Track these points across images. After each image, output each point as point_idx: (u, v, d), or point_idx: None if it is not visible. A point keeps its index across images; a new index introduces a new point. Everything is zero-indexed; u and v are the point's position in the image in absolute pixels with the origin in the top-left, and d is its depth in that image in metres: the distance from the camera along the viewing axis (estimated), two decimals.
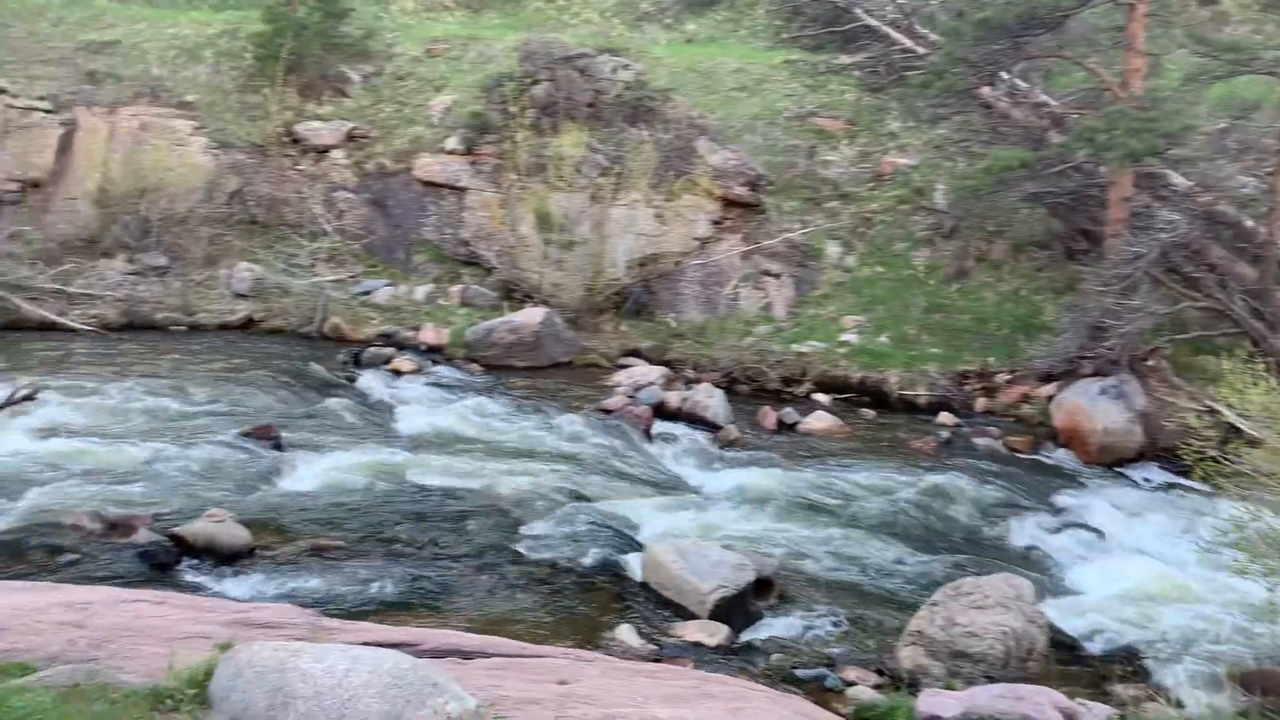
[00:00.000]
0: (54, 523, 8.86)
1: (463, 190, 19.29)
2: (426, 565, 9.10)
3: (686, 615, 8.32)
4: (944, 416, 14.92)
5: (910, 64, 20.15)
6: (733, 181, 18.47)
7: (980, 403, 15.38)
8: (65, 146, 19.05)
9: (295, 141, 20.20)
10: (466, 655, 5.45)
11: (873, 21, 21.77)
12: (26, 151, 18.78)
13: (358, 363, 15.89)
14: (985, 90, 18.24)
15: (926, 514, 11.33)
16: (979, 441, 14.02)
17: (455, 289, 18.34)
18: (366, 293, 18.17)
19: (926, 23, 21.42)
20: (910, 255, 18.10)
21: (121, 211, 18.10)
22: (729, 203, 18.45)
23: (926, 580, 9.47)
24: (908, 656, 7.69)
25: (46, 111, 19.31)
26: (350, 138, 20.14)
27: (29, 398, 12.13)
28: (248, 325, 17.39)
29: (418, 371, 15.59)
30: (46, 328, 16.24)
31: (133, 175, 18.44)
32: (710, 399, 14.44)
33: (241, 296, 17.75)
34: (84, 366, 14.38)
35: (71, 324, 16.38)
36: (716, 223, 18.45)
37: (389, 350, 16.25)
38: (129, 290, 17.21)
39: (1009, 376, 15.67)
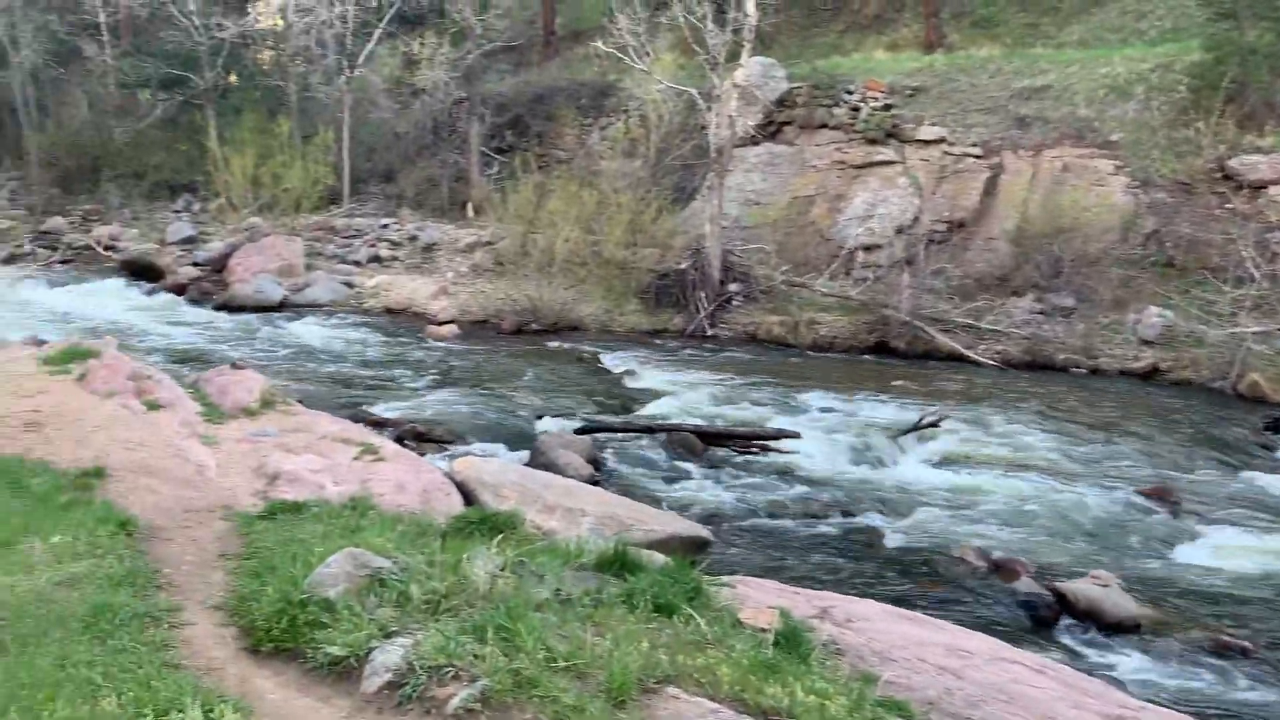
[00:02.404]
0: (941, 552, 9.13)
1: None
2: None
3: None
4: None
5: None
6: None
7: None
8: (989, 189, 20.15)
9: (1226, 178, 18.33)
10: None
11: None
12: (956, 194, 20.32)
13: (1277, 429, 13.64)
14: None
15: None
16: None
17: None
18: None
19: None
20: None
21: (1034, 251, 18.40)
22: None
23: None
24: None
25: (976, 157, 20.66)
26: None
27: (934, 424, 12.91)
28: (1151, 374, 16.27)
29: None
30: (954, 359, 17.29)
31: (1049, 215, 18.64)
32: None
33: (1147, 343, 16.67)
34: (983, 400, 14.87)
35: (977, 358, 17.17)
36: None
37: None
38: (1034, 329, 17.41)
39: None
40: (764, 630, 4.86)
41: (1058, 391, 15.53)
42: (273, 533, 5.64)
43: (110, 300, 20.31)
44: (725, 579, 6.20)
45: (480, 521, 6.11)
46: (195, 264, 23.08)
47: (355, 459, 8.33)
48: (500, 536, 5.10)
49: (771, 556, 8.86)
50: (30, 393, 9.96)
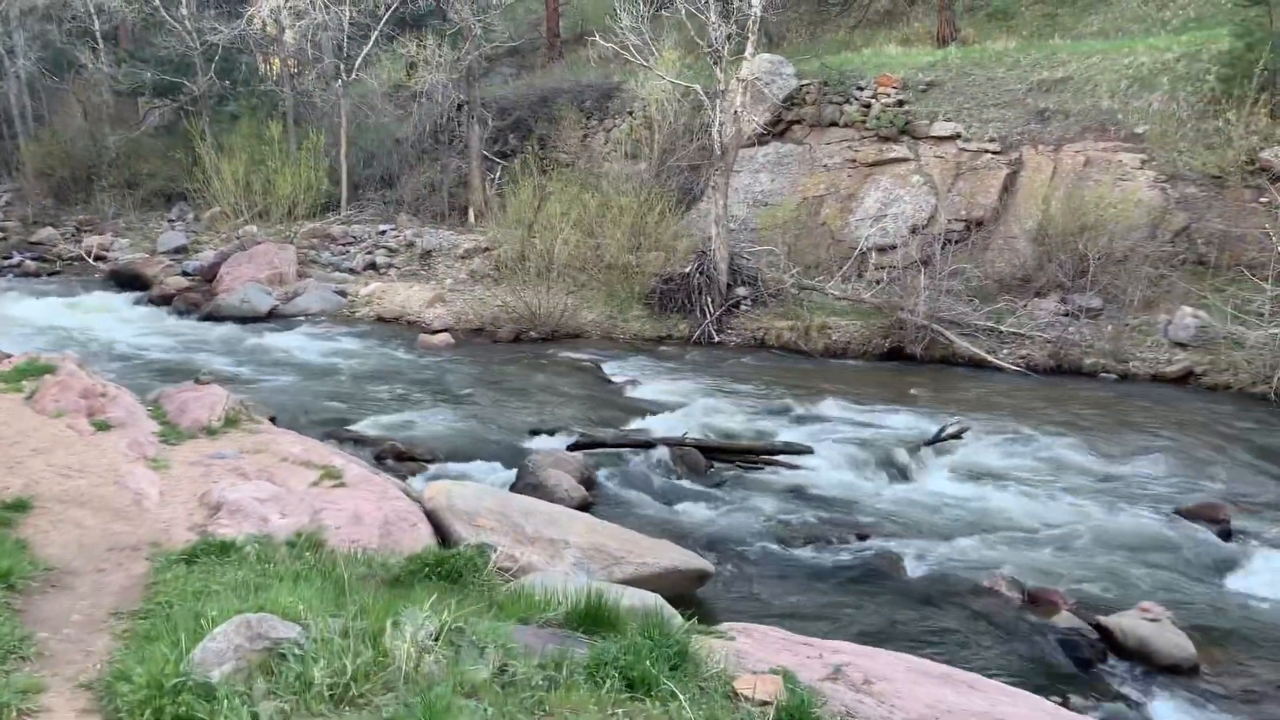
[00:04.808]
0: (969, 581, 8.21)
1: None
2: None
3: None
4: None
5: None
6: None
7: None
8: (1009, 186, 19.23)
9: (1261, 170, 17.34)
10: None
11: None
12: (973, 192, 19.40)
13: None
14: None
15: None
16: None
17: None
18: None
19: None
20: None
21: (1058, 250, 17.46)
22: None
23: None
24: None
25: (994, 153, 19.75)
26: None
27: (956, 436, 11.99)
28: (1185, 379, 15.28)
29: None
30: (975, 364, 16.34)
31: (1072, 213, 17.68)
32: None
33: (1180, 345, 15.70)
34: (1008, 408, 13.94)
35: (999, 362, 16.23)
36: None
37: None
38: (1059, 331, 16.45)
39: None
40: (764, 704, 4.00)
41: (1087, 398, 14.60)
42: (184, 582, 4.79)
43: (92, 312, 19.52)
44: (722, 628, 5.33)
45: (436, 564, 5.25)
46: (184, 274, 22.32)
47: (313, 485, 7.48)
48: (442, 590, 4.23)
49: (779, 589, 7.95)
50: None
